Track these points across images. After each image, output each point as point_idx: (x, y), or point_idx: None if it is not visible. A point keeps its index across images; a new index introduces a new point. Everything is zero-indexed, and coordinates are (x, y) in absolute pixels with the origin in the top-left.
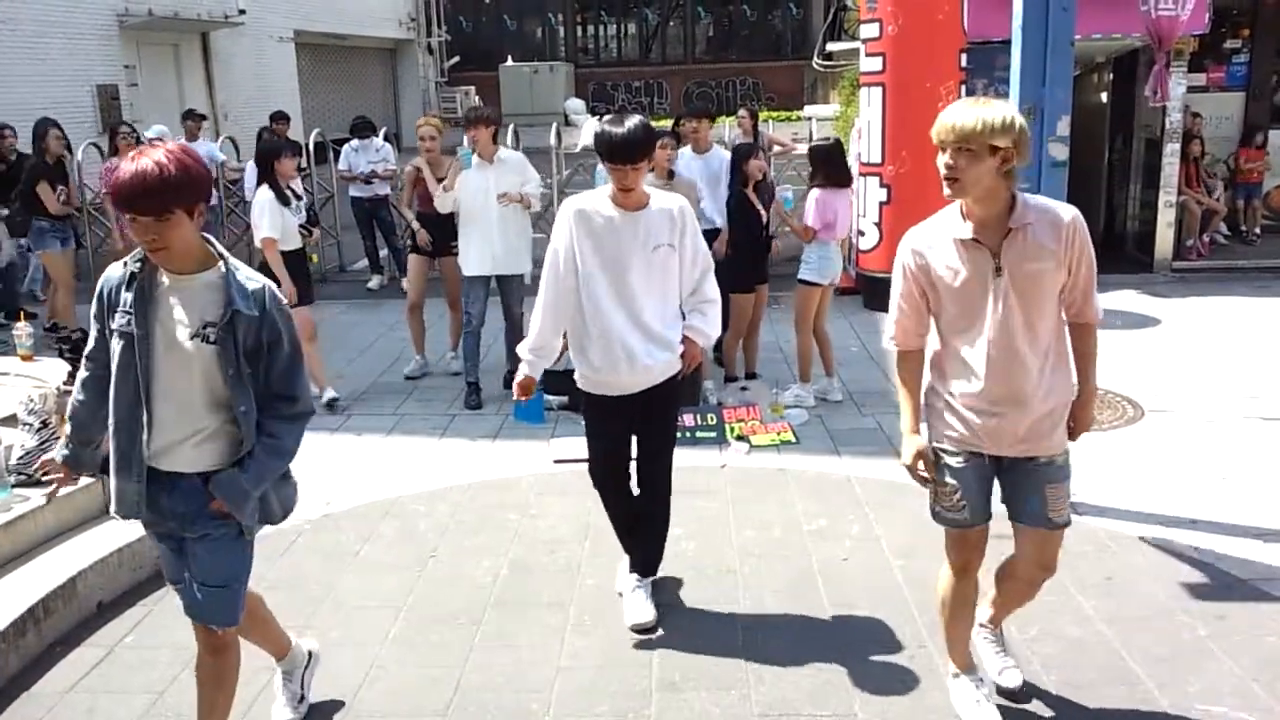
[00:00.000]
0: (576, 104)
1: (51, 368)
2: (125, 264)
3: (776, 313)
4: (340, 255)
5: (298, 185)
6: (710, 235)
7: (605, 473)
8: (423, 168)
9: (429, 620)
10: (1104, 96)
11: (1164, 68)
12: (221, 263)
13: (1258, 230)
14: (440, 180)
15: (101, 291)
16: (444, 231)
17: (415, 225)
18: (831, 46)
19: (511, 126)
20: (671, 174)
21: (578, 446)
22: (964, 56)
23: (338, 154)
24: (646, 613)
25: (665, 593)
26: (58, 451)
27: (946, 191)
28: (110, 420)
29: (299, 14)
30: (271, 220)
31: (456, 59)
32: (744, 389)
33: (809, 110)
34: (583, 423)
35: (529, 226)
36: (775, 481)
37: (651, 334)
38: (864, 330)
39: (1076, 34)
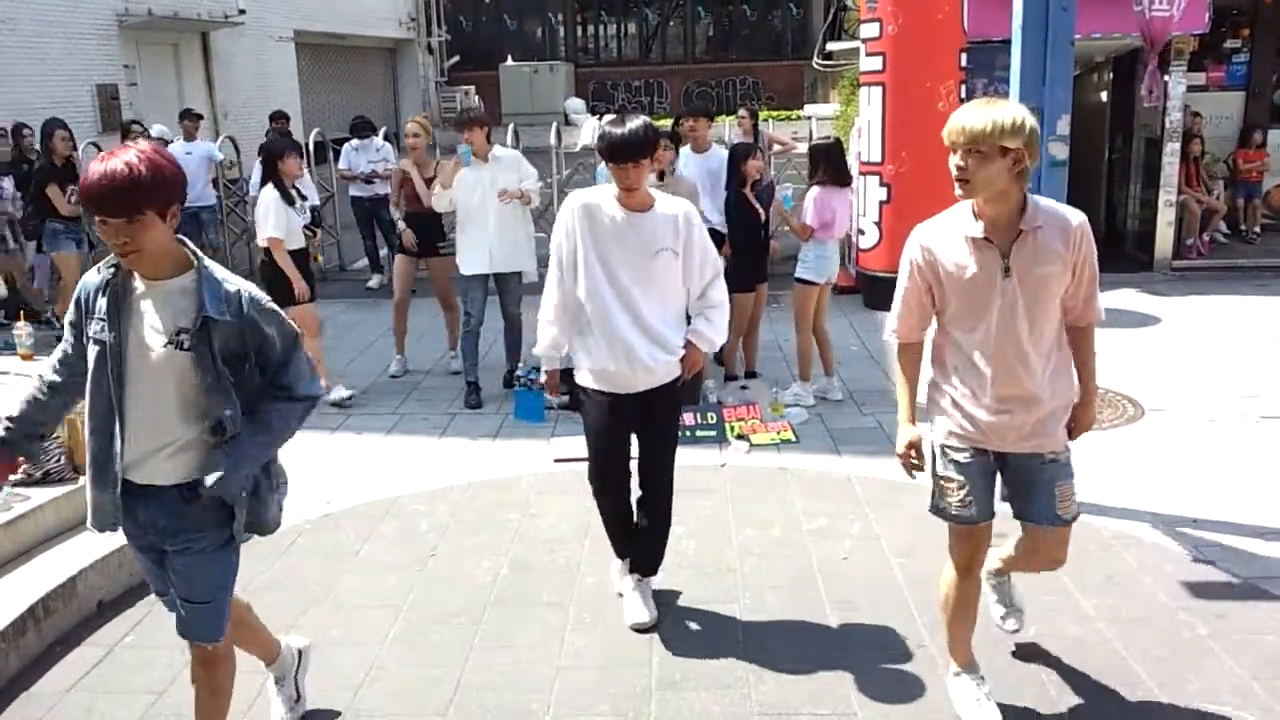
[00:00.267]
0: (576, 104)
1: None
2: (99, 270)
3: (776, 312)
4: (340, 255)
5: (305, 185)
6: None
7: (604, 472)
8: (409, 169)
9: (429, 620)
10: (1104, 96)
11: (1157, 67)
12: (196, 267)
13: (1257, 229)
14: (428, 180)
15: (79, 298)
16: (430, 232)
17: (401, 226)
18: (831, 46)
19: (511, 126)
20: (661, 174)
21: (578, 446)
22: (964, 56)
23: (337, 154)
24: (646, 613)
25: (665, 593)
26: None
27: (958, 192)
28: (86, 429)
29: (299, 14)
30: (276, 220)
31: (456, 59)
32: (744, 388)
33: (809, 110)
34: (582, 422)
35: (529, 225)
36: (775, 481)
37: (653, 335)
38: (864, 329)
39: (1076, 34)
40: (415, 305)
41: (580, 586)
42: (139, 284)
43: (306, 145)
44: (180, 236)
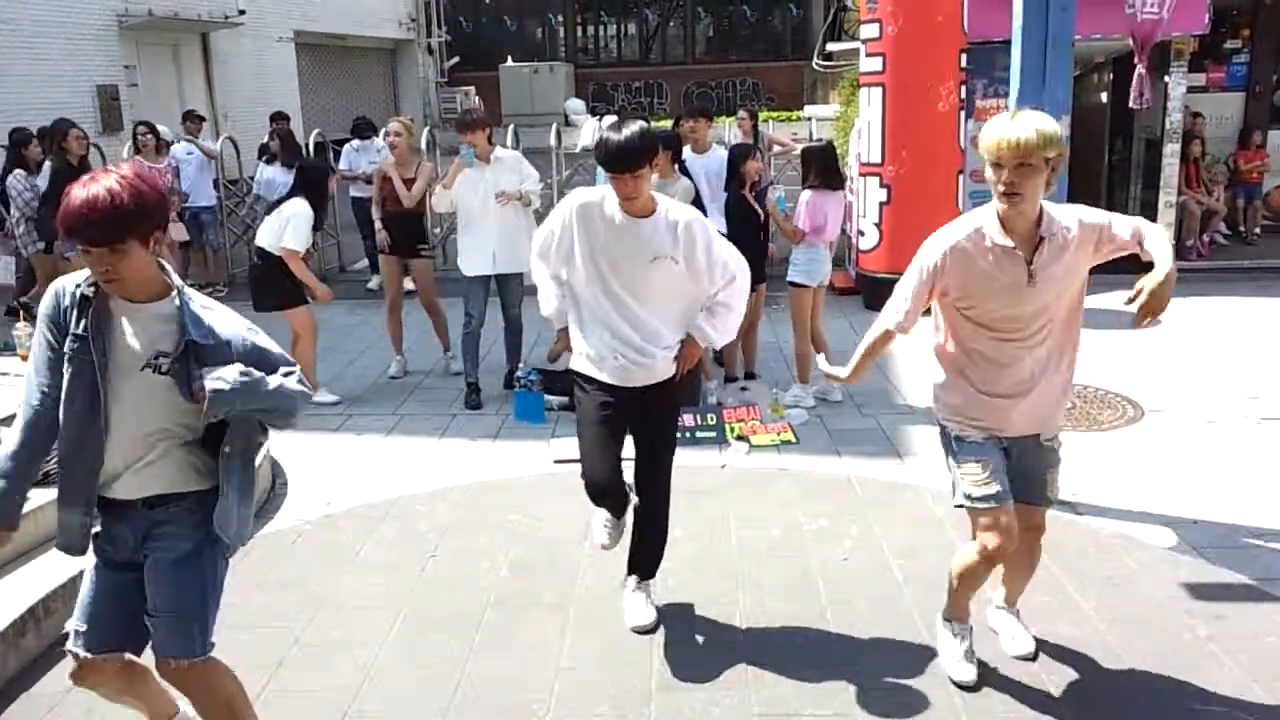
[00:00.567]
0: (576, 104)
1: None
2: (79, 285)
3: (776, 313)
4: (340, 255)
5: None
6: None
7: (594, 472)
8: (389, 169)
9: (429, 621)
10: (1104, 96)
11: (1147, 70)
12: (176, 292)
13: (1257, 230)
14: (407, 181)
15: (54, 307)
16: (409, 233)
17: (378, 225)
18: (831, 47)
19: (511, 127)
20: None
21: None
22: (964, 56)
23: (338, 154)
24: (646, 615)
25: (665, 593)
26: None
27: (1002, 206)
28: (59, 447)
29: (299, 14)
30: (304, 236)
31: (456, 59)
32: (744, 389)
33: (809, 110)
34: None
35: (530, 226)
36: (775, 481)
37: (648, 334)
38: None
39: (1076, 35)
40: (412, 305)
41: (580, 587)
42: (117, 304)
43: (306, 145)
44: (161, 261)
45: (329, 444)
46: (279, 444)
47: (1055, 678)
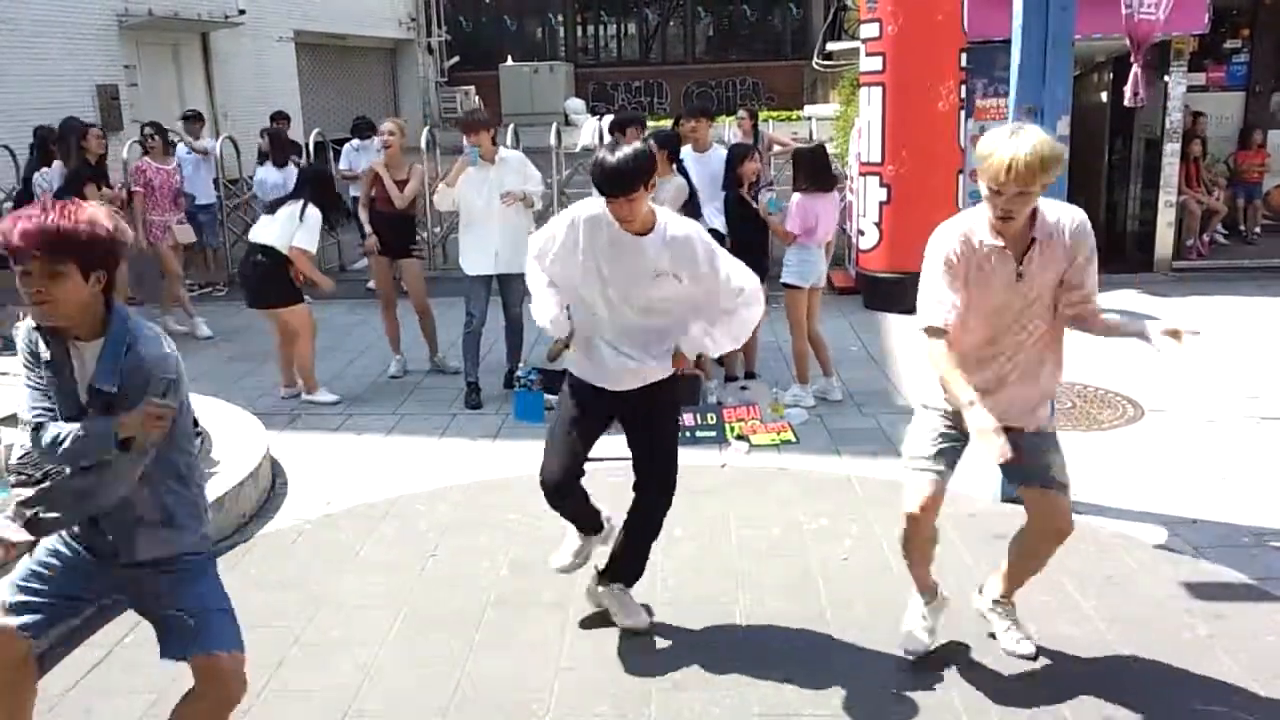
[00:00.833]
0: (576, 104)
1: None
2: (34, 322)
3: (776, 313)
4: (340, 255)
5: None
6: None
7: (548, 469)
8: (380, 170)
9: (429, 620)
10: (1104, 96)
11: (1142, 69)
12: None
13: (1257, 230)
14: (399, 182)
15: (26, 344)
16: (399, 233)
17: (367, 229)
18: (831, 46)
19: (511, 126)
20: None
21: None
22: (964, 56)
23: (338, 154)
24: (640, 616)
25: (664, 593)
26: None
27: (996, 223)
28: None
29: (299, 14)
30: (314, 236)
31: (456, 59)
32: (744, 389)
33: (809, 110)
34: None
35: (532, 227)
36: (775, 481)
37: (643, 341)
38: (864, 330)
39: (1077, 34)
40: (408, 305)
41: (580, 587)
42: (70, 342)
43: (306, 145)
44: (120, 306)
45: (329, 444)
46: (279, 444)
47: (1055, 678)
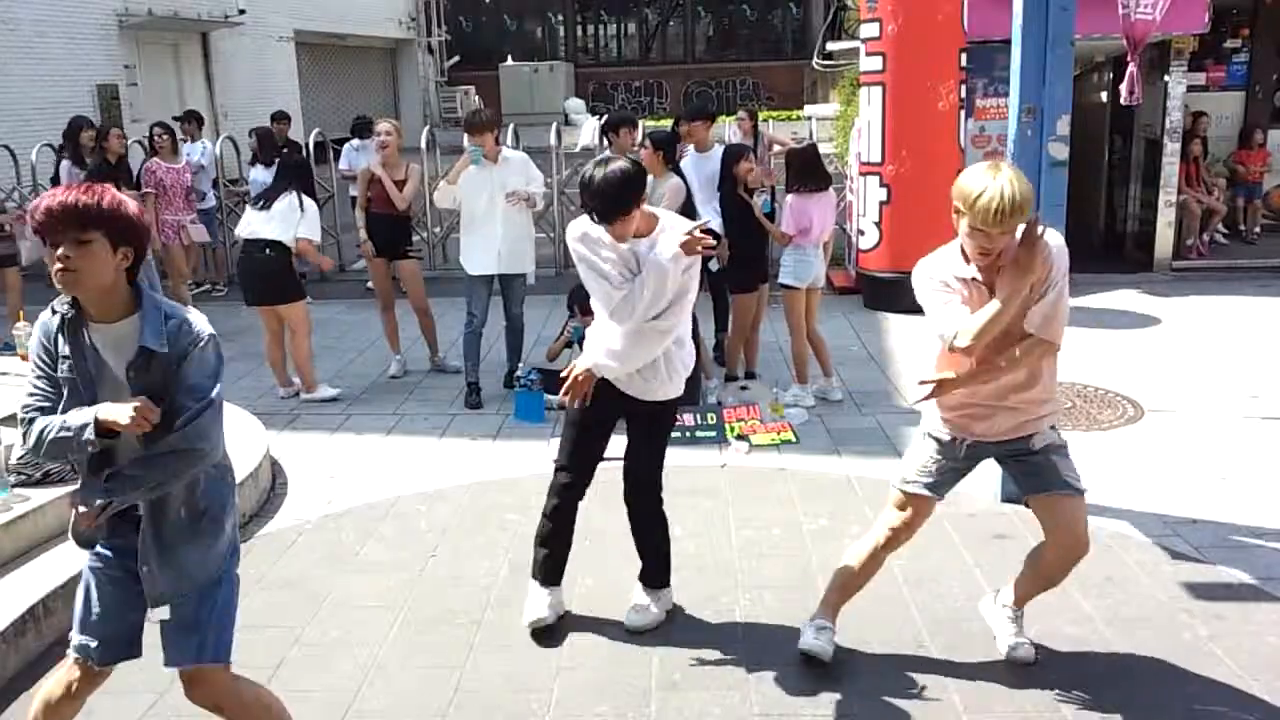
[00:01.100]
0: (576, 104)
1: None
2: (55, 310)
3: (776, 312)
4: (340, 255)
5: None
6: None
7: (569, 456)
8: (378, 170)
9: (429, 620)
10: (1104, 96)
11: (1139, 68)
12: (138, 312)
13: (1257, 230)
14: (398, 183)
15: (45, 340)
16: (395, 234)
17: (363, 235)
18: (831, 46)
19: (511, 126)
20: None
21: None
22: (964, 56)
23: (338, 154)
24: (644, 617)
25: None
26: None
27: (975, 258)
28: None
29: (299, 14)
30: (317, 225)
31: (456, 59)
32: (744, 388)
33: (809, 110)
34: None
35: (531, 226)
36: (775, 481)
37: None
38: (864, 330)
39: (1076, 34)
40: (408, 305)
41: (580, 587)
42: (91, 329)
43: (306, 145)
44: (142, 284)
45: (329, 444)
46: (279, 444)
47: (1055, 678)
